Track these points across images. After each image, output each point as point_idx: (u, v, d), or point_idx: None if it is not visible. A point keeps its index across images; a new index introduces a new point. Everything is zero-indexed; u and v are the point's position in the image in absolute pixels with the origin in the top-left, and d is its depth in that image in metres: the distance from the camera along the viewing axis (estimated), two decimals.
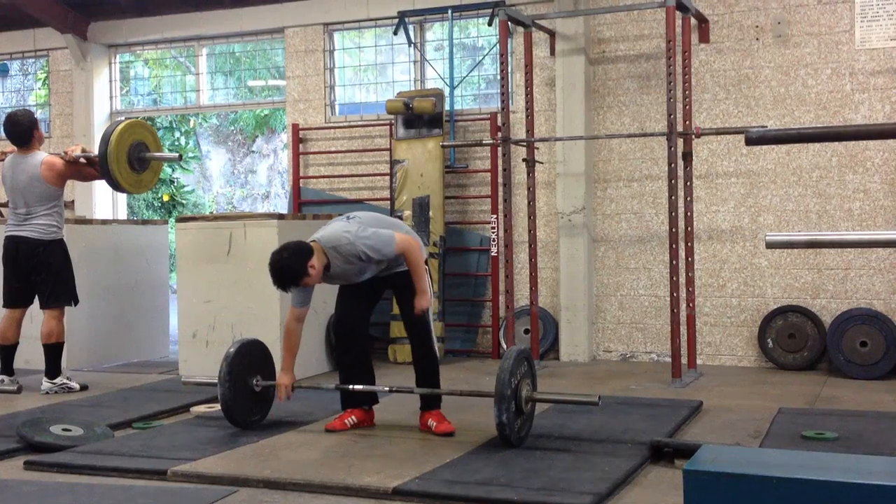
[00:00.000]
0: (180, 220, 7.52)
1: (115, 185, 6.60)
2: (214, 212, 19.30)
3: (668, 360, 6.85)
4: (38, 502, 3.93)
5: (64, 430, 4.97)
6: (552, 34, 7.85)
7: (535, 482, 3.96)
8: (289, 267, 4.72)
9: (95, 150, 6.65)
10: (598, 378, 6.90)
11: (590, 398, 4.75)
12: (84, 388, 6.57)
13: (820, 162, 7.27)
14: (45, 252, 6.43)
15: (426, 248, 7.72)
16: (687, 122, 6.94)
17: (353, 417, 5.08)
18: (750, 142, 3.11)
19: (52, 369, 6.50)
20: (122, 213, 10.26)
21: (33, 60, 10.74)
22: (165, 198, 17.52)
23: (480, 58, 8.68)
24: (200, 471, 4.29)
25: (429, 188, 7.92)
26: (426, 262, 4.97)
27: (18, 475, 4.39)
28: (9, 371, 6.53)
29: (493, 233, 7.88)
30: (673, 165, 6.59)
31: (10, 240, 6.50)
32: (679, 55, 6.83)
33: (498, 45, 7.43)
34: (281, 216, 7.20)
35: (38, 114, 10.72)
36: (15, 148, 6.57)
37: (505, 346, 7.43)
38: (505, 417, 4.47)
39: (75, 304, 6.68)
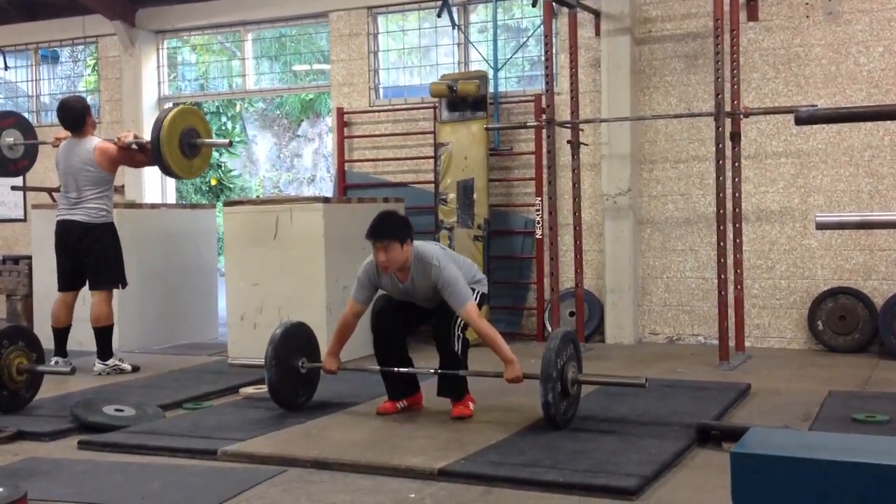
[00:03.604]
0: (228, 204, 7.60)
1: (167, 171, 6.70)
2: (261, 196, 19.45)
3: (716, 342, 6.79)
4: (91, 481, 4.02)
5: (116, 410, 5.07)
6: (597, 14, 7.77)
7: (581, 464, 3.96)
8: (394, 225, 4.81)
9: (146, 137, 6.76)
10: (644, 361, 6.87)
11: (637, 380, 4.74)
12: (136, 369, 6.69)
13: (872, 141, 7.13)
14: (95, 235, 6.54)
15: (471, 229, 7.78)
16: (735, 102, 6.84)
17: (403, 402, 5.12)
18: (800, 121, 3.07)
19: (104, 351, 6.62)
20: (171, 198, 10.40)
21: (83, 47, 10.90)
22: (213, 182, 17.70)
23: (524, 39, 8.63)
24: (250, 451, 4.35)
25: (473, 171, 7.91)
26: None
27: (72, 455, 4.49)
28: (62, 353, 6.66)
29: (538, 215, 7.86)
30: (721, 146, 6.50)
31: (61, 224, 6.63)
32: (727, 33, 6.72)
33: (542, 26, 7.38)
34: (326, 200, 7.26)
35: (89, 100, 10.87)
36: (69, 134, 6.68)
37: (550, 328, 7.41)
38: (551, 397, 4.47)
39: (123, 287, 6.79)
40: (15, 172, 7.88)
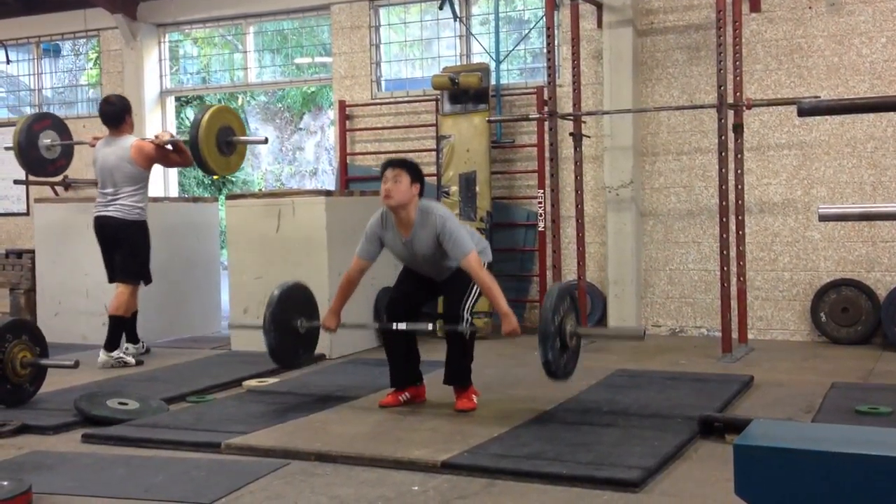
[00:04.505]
0: (230, 197, 7.61)
1: (206, 169, 6.92)
2: (263, 189, 19.46)
3: (718, 334, 6.79)
4: (95, 474, 4.03)
5: (120, 403, 5.08)
6: (599, 6, 7.75)
7: (584, 456, 3.97)
8: (409, 164, 4.98)
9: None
10: (646, 353, 6.87)
11: (635, 332, 4.77)
12: (139, 363, 6.72)
13: (875, 133, 7.11)
14: (127, 232, 6.76)
15: (474, 222, 7.77)
16: (738, 94, 6.83)
17: (406, 394, 5.13)
18: (802, 113, 3.06)
19: (111, 342, 6.68)
20: (174, 191, 10.40)
21: (84, 41, 10.89)
22: (215, 175, 17.71)
23: (526, 31, 8.62)
24: (253, 444, 4.36)
25: (475, 163, 7.90)
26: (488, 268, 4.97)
27: (76, 448, 4.50)
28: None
29: (540, 208, 7.85)
30: (723, 138, 6.49)
31: (97, 220, 6.85)
32: (729, 25, 6.71)
33: (544, 18, 7.36)
34: (329, 193, 7.25)
35: (90, 93, 10.89)
36: (105, 134, 6.91)
37: None
38: (550, 356, 4.49)
39: (146, 284, 6.99)
40: (53, 172, 8.07)
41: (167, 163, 7.16)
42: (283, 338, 5.22)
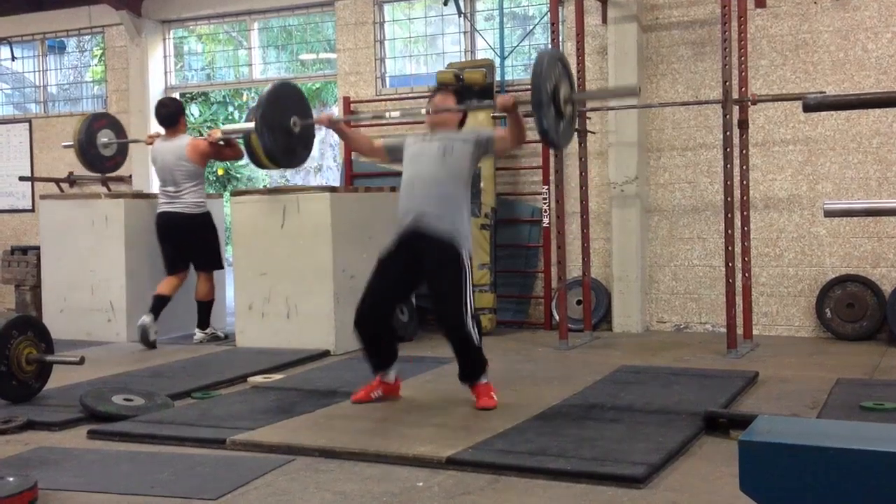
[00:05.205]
0: (235, 193, 7.61)
1: (259, 162, 7.42)
2: (268, 185, 19.45)
3: (723, 330, 6.78)
4: (100, 470, 4.04)
5: (125, 399, 5.09)
6: (604, 1, 7.74)
7: (588, 452, 3.97)
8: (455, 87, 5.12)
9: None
10: (651, 349, 6.87)
11: (629, 89, 4.87)
12: (226, 336, 7.54)
13: (880, 128, 7.10)
14: (195, 225, 7.37)
15: (478, 218, 7.77)
16: (743, 89, 6.81)
17: (378, 391, 5.06)
18: (808, 108, 3.04)
19: (203, 321, 7.55)
20: None
21: (89, 37, 10.90)
22: (220, 172, 17.72)
23: (531, 27, 8.61)
24: (258, 440, 4.36)
25: None
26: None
27: (82, 444, 4.51)
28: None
29: (545, 204, 7.85)
30: (728, 133, 6.48)
31: (161, 215, 7.44)
32: (734, 20, 6.69)
33: (549, 13, 7.35)
34: (333, 189, 7.26)
35: (96, 90, 10.91)
36: (160, 133, 7.51)
37: (557, 318, 7.40)
38: (545, 123, 4.49)
39: (221, 268, 7.79)
40: (111, 168, 8.44)
41: (220, 157, 7.69)
42: (277, 137, 5.19)
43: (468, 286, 4.82)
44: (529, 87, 4.52)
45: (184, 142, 7.37)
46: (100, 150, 8.09)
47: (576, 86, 4.79)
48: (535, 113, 4.45)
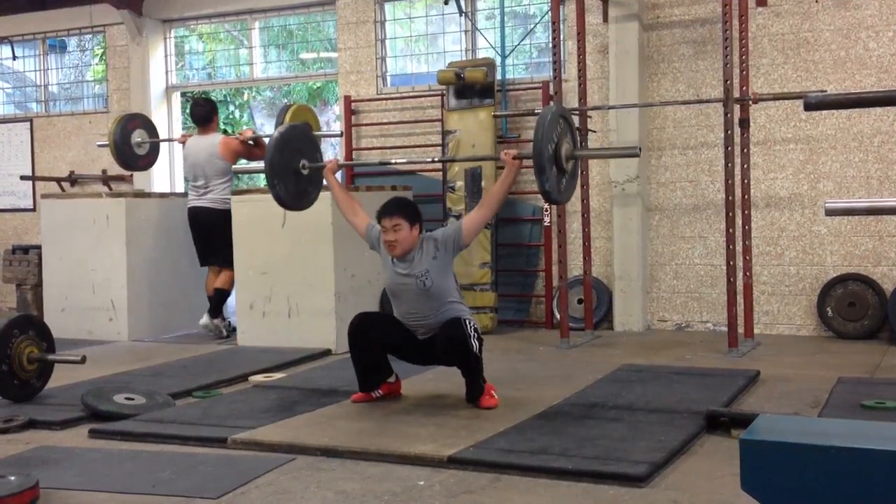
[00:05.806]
0: (236, 192, 7.62)
1: None
2: None
3: (725, 329, 6.78)
4: (102, 469, 4.05)
5: (126, 398, 5.10)
6: (605, 0, 7.74)
7: (590, 451, 3.97)
8: (411, 206, 4.98)
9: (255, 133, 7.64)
10: (652, 347, 6.87)
11: (630, 150, 4.92)
12: (234, 329, 7.50)
13: (882, 127, 7.09)
14: (220, 220, 7.53)
15: None
16: (744, 88, 6.81)
17: (379, 390, 5.07)
18: (809, 107, 3.05)
19: (215, 310, 7.66)
20: (179, 187, 10.40)
21: (90, 36, 10.90)
22: None
23: (532, 26, 8.60)
24: (259, 439, 4.37)
25: None
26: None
27: (83, 443, 4.52)
28: (216, 314, 7.66)
29: (546, 203, 7.84)
30: (729, 132, 6.48)
31: (191, 210, 7.74)
32: (735, 19, 6.69)
33: (550, 12, 7.35)
34: None
35: (97, 89, 10.90)
36: (191, 133, 7.79)
37: (559, 316, 7.40)
38: (548, 185, 4.54)
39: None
40: (144, 167, 8.67)
41: (250, 156, 7.85)
42: (287, 183, 5.27)
43: (478, 349, 4.86)
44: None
45: (216, 139, 7.70)
46: (134, 148, 8.28)
47: (578, 140, 4.80)
48: (536, 177, 4.50)
